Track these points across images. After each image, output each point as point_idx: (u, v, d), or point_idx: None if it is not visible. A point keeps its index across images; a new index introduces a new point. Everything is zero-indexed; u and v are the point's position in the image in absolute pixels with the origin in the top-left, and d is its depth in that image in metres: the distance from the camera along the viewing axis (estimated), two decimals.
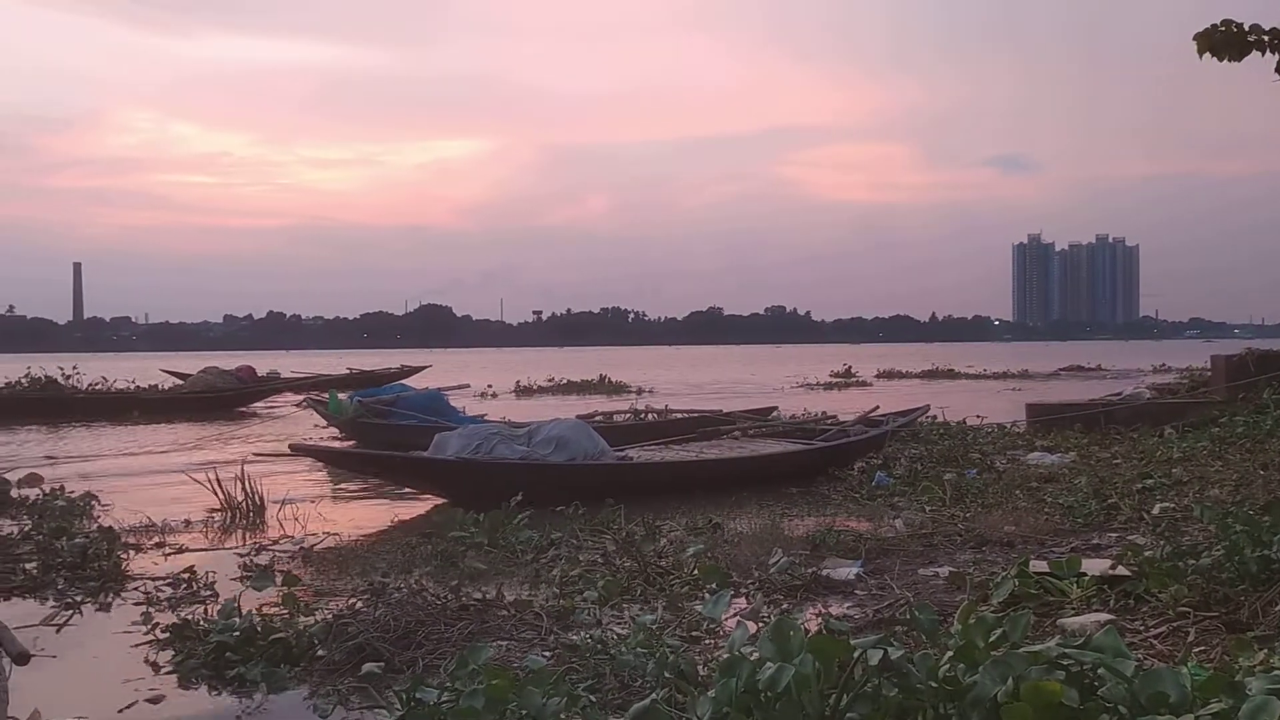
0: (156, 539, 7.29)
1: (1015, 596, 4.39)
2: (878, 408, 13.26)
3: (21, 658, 3.67)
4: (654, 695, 2.97)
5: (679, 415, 14.87)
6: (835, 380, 33.72)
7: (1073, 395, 20.35)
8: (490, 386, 29.85)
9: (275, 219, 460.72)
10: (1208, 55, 5.79)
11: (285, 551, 6.80)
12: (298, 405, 21.23)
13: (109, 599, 5.65)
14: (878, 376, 36.52)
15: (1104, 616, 4.08)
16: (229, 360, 30.83)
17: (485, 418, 14.82)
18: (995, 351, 74.58)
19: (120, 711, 3.84)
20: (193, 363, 33.95)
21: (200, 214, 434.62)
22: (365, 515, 8.75)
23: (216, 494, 8.34)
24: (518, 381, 31.97)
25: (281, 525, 7.88)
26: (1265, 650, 3.23)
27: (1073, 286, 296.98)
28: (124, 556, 6.43)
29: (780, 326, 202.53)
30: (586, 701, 3.04)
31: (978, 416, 14.63)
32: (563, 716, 2.91)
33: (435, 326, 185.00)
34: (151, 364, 37.93)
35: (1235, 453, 9.54)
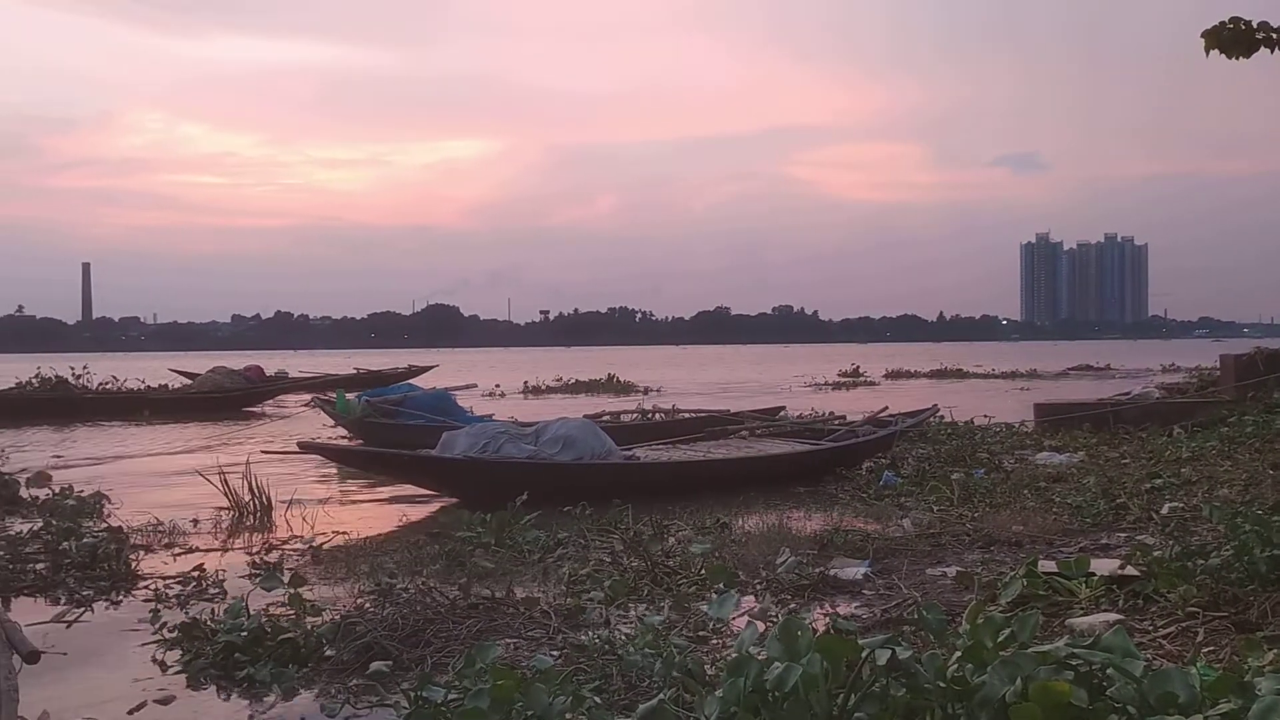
0: (166, 539, 7.31)
1: (1023, 596, 4.38)
2: (886, 408, 13.23)
3: (32, 656, 3.69)
4: (661, 695, 2.97)
5: (686, 415, 14.87)
6: (843, 380, 33.70)
7: (1081, 395, 20.32)
8: (498, 386, 29.93)
9: (282, 219, 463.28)
10: (1214, 52, 5.78)
11: (294, 550, 6.82)
12: (305, 405, 21.29)
13: (119, 597, 5.66)
14: (886, 376, 36.44)
15: (1113, 616, 4.06)
16: (237, 360, 30.93)
17: (493, 417, 14.82)
18: (1003, 351, 74.46)
19: (130, 713, 3.84)
20: (201, 363, 34.14)
21: (208, 214, 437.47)
22: (373, 515, 8.77)
23: (225, 494, 8.37)
24: (526, 381, 32.01)
25: (289, 525, 7.90)
26: (1275, 650, 3.21)
27: (1081, 286, 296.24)
28: (134, 556, 6.44)
29: (788, 326, 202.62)
30: (592, 702, 3.04)
31: (985, 416, 14.63)
32: (568, 716, 2.90)
33: (442, 326, 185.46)
34: (160, 364, 38.15)
35: (1244, 452, 9.51)
